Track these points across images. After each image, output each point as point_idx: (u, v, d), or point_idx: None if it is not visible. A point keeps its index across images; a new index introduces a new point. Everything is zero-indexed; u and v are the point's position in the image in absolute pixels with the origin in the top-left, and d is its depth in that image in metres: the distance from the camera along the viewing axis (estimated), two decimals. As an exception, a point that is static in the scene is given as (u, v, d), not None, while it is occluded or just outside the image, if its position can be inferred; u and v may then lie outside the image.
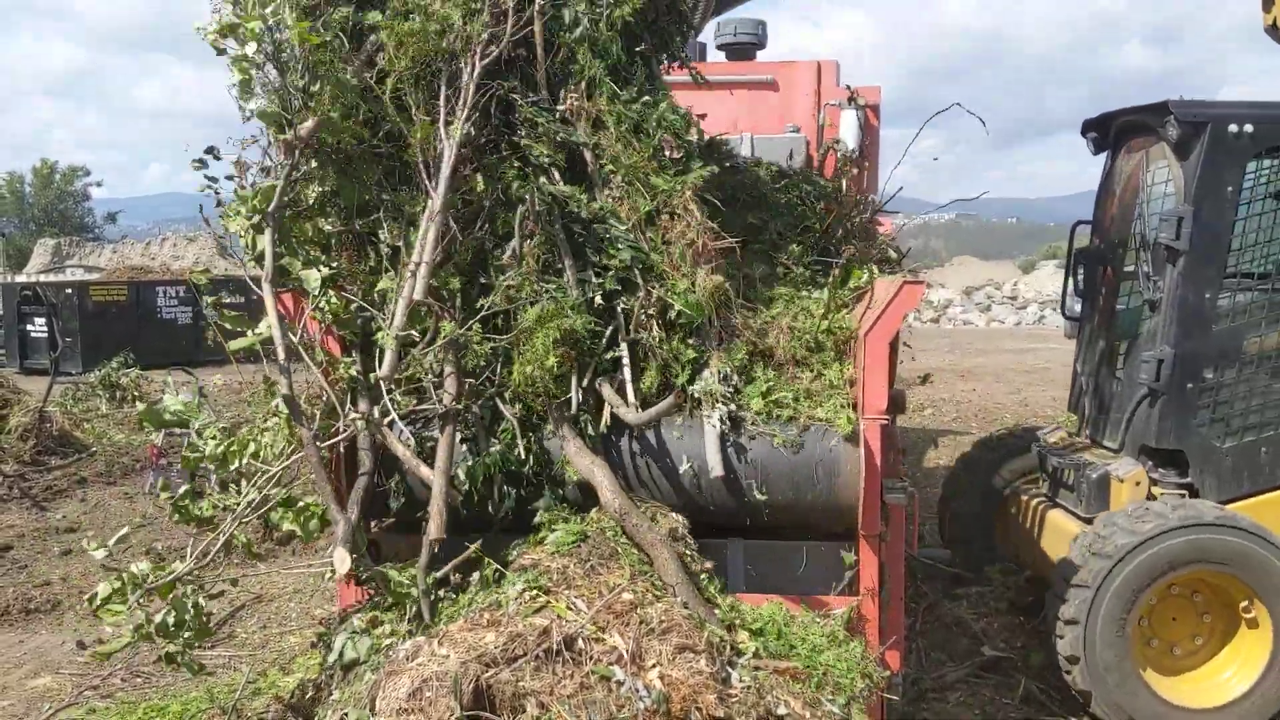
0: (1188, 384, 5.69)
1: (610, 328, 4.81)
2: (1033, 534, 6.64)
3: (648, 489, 4.67)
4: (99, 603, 4.21)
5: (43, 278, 30.38)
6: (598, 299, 4.72)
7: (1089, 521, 5.87)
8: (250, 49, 4.59)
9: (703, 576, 4.27)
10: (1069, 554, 5.58)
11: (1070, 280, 7.04)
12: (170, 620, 4.32)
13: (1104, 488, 5.89)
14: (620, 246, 4.77)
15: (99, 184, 60.83)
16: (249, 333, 4.71)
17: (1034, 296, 40.16)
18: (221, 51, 4.64)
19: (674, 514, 4.56)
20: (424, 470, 4.43)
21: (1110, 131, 6.53)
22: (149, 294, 24.05)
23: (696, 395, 4.69)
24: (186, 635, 4.37)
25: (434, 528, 4.26)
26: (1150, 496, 5.79)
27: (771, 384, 4.82)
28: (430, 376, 4.77)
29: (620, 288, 4.79)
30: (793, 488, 4.58)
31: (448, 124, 4.68)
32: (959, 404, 17.18)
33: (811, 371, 4.91)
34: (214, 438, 4.67)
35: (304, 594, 8.02)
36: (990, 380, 20.42)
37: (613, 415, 4.68)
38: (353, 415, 4.59)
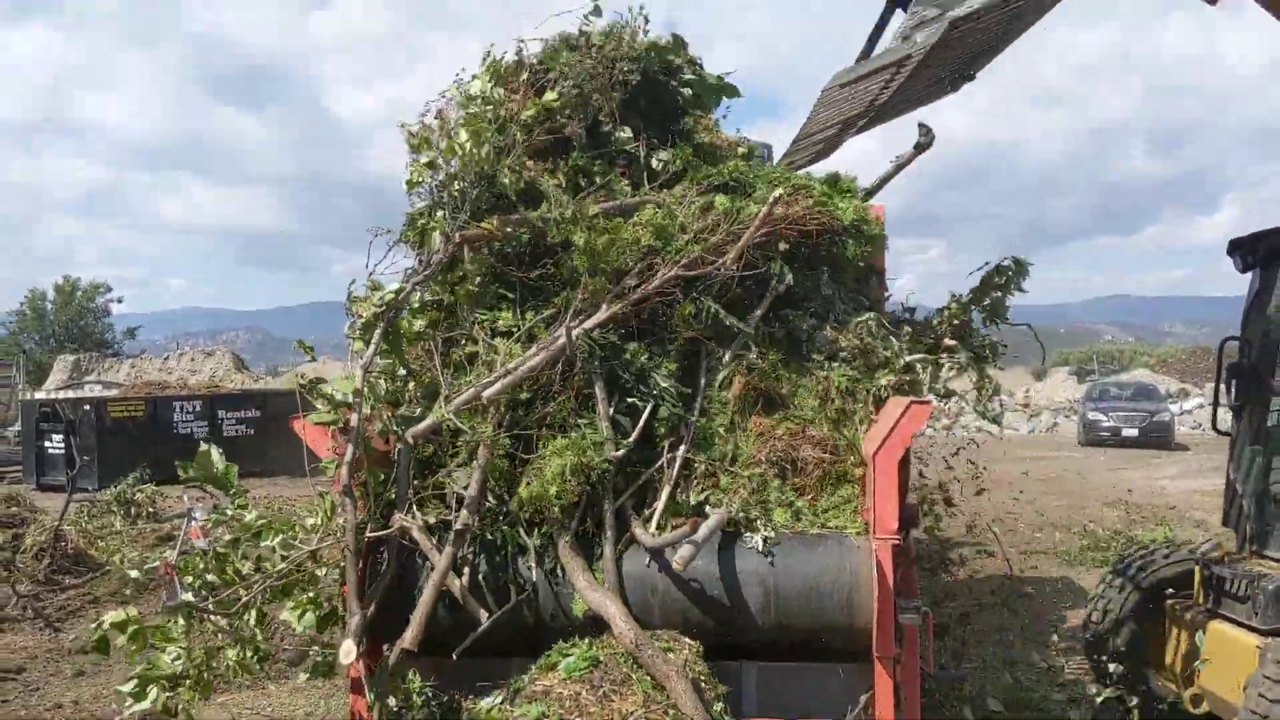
0: None
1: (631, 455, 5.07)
2: (1202, 648, 6.56)
3: (662, 611, 4.70)
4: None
5: (61, 394, 30.66)
6: (627, 438, 5.04)
7: (1268, 634, 5.84)
8: (425, 159, 5.59)
9: (717, 705, 4.27)
10: (1263, 668, 5.53)
11: (1221, 395, 7.09)
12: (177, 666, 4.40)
13: None
14: (665, 400, 5.05)
15: (119, 300, 61.77)
16: (332, 397, 5.05)
17: (1046, 403, 40.08)
18: (414, 149, 5.61)
19: (686, 639, 4.58)
20: (437, 578, 4.60)
21: (1260, 250, 6.68)
22: (165, 409, 24.24)
23: (711, 516, 4.79)
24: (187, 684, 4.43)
25: (409, 636, 4.46)
26: None
27: (789, 503, 4.96)
28: (457, 488, 5.00)
29: (657, 432, 5.15)
30: (805, 610, 4.60)
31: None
32: (974, 514, 17.03)
33: (827, 489, 5.04)
34: (246, 507, 4.82)
35: (315, 717, 7.95)
36: (1005, 489, 20.27)
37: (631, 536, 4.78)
38: (396, 518, 4.86)
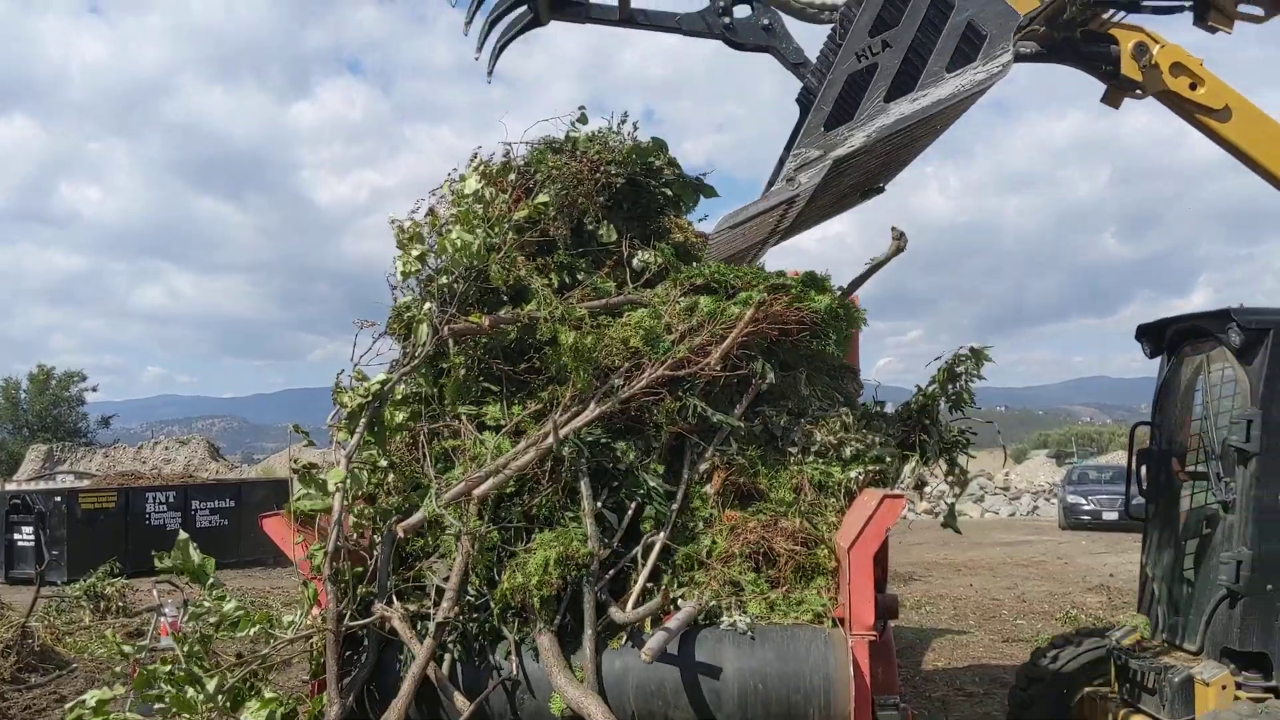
0: (1268, 585, 5.66)
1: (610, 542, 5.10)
2: None
3: (637, 707, 4.65)
4: None
5: (33, 485, 30.23)
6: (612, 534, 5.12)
7: None
8: (416, 253, 5.76)
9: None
10: None
11: (1133, 481, 7.09)
12: None
13: (1187, 691, 5.80)
14: (653, 499, 5.20)
15: (94, 389, 61.27)
16: (324, 483, 5.17)
17: (1026, 486, 40.09)
18: (401, 245, 5.76)
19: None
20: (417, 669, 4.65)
21: (1165, 337, 6.74)
22: (138, 499, 23.91)
23: (684, 608, 4.78)
24: None
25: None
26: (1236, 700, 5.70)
27: (764, 595, 4.97)
28: (437, 580, 5.04)
29: (642, 528, 5.22)
30: (782, 708, 4.55)
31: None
32: (956, 600, 16.95)
33: (801, 581, 5.05)
34: (224, 598, 4.77)
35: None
36: (986, 574, 20.21)
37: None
38: (377, 607, 4.93)
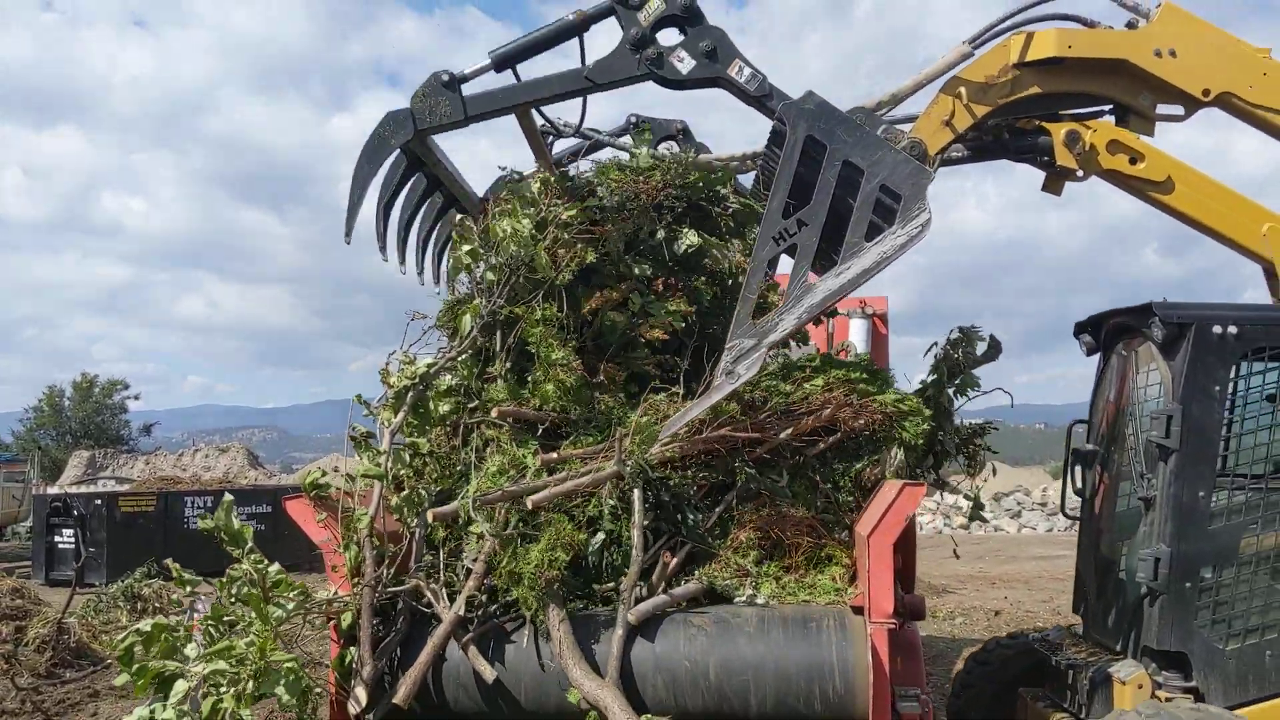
0: (1186, 583, 5.60)
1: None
2: None
3: (651, 696, 4.64)
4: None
5: (74, 489, 30.71)
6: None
7: None
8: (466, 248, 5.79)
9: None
10: None
11: (1069, 480, 7.05)
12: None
13: (1107, 690, 5.75)
14: (691, 524, 5.30)
15: (136, 397, 62.14)
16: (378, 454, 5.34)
17: (1064, 502, 39.61)
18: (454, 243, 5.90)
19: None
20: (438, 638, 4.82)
21: (1101, 333, 6.69)
22: (177, 503, 24.22)
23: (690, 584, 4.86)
24: None
25: (402, 693, 4.60)
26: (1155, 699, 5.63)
27: (776, 577, 5.00)
28: (465, 563, 5.15)
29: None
30: (799, 696, 4.52)
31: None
32: (990, 612, 16.77)
33: (813, 570, 5.08)
34: (262, 563, 4.85)
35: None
36: (1022, 588, 19.98)
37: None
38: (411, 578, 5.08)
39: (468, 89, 5.67)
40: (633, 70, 5.58)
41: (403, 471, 5.44)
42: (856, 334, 8.84)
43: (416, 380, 5.49)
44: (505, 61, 5.66)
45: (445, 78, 5.59)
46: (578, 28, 5.62)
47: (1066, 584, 20.19)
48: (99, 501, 23.31)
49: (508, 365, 5.69)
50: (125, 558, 20.27)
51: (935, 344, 6.43)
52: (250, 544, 4.73)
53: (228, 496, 4.92)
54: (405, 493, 5.32)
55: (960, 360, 6.32)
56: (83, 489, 32.80)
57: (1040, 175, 6.29)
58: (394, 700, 4.60)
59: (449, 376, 5.68)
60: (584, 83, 5.64)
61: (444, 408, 5.64)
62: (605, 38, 5.67)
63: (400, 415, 5.46)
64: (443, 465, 5.61)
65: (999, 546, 29.78)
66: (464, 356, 5.68)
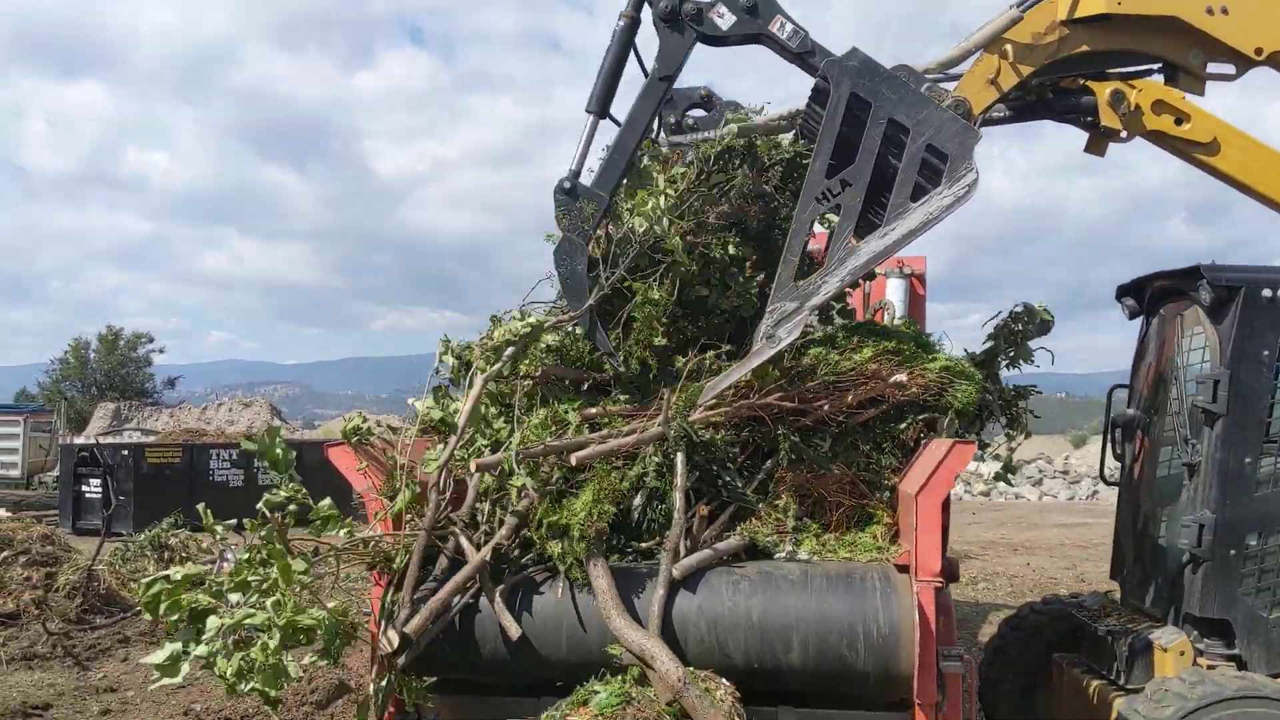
0: (1230, 550, 5.53)
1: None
2: (1077, 705, 6.39)
3: (695, 650, 4.61)
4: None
5: (101, 440, 30.97)
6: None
7: (1131, 692, 5.64)
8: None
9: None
10: None
11: (1108, 445, 6.96)
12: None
13: (1147, 657, 5.69)
14: (731, 488, 5.30)
15: (161, 350, 62.44)
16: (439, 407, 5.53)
17: (1086, 471, 39.48)
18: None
19: (724, 681, 4.48)
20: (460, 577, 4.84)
21: (1145, 296, 6.57)
22: (203, 456, 24.37)
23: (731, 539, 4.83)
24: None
25: (415, 623, 4.62)
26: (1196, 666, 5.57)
27: (817, 534, 4.98)
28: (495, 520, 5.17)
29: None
30: (843, 653, 4.48)
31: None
32: (1013, 578, 16.73)
33: (854, 528, 5.06)
34: (299, 492, 4.86)
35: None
36: (1044, 555, 19.91)
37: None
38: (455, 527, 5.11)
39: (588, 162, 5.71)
40: (683, 42, 5.57)
41: (482, 420, 5.50)
42: (894, 294, 8.76)
43: (526, 332, 5.49)
44: (603, 105, 5.69)
45: (567, 185, 5.58)
46: (632, 27, 5.62)
47: (1089, 551, 20.24)
48: (126, 452, 23.49)
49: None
50: (151, 509, 20.40)
51: (1000, 312, 6.48)
52: (292, 471, 4.72)
53: (275, 423, 4.90)
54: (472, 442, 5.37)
55: (1020, 333, 6.31)
56: (109, 439, 33.06)
57: (1083, 136, 6.16)
58: (405, 630, 4.58)
59: (552, 336, 5.70)
60: (661, 85, 5.66)
61: (523, 368, 5.69)
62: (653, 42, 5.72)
63: (497, 364, 5.43)
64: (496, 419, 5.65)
65: (1021, 514, 29.70)
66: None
